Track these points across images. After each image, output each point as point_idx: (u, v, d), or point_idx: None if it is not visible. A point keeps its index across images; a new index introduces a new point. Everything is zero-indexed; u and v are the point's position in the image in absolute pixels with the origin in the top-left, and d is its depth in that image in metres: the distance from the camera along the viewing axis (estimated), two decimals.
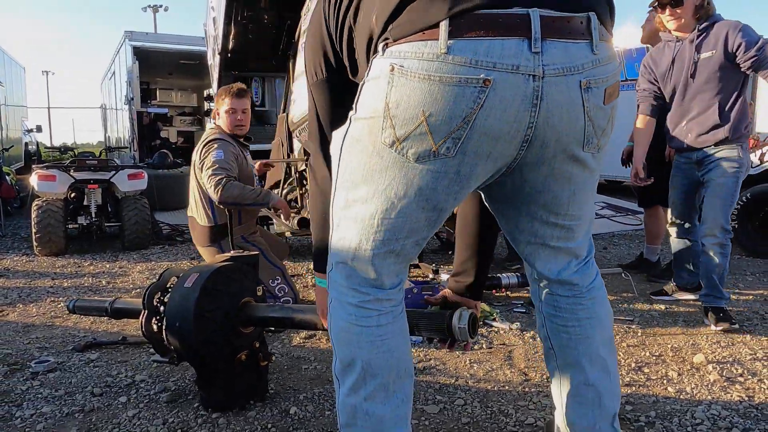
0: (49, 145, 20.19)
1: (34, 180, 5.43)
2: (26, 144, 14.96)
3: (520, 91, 0.98)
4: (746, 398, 1.92)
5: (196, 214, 3.18)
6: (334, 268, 1.21)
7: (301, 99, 3.84)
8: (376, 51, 1.07)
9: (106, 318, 2.94)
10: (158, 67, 10.92)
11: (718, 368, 2.19)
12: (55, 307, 3.37)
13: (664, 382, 2.09)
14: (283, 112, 4.83)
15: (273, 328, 2.72)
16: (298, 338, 2.64)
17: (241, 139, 3.28)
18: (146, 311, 1.86)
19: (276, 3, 4.39)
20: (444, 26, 0.96)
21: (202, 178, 3.02)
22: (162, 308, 1.84)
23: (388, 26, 1.03)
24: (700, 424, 1.73)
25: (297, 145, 4.21)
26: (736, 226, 4.93)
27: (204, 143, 3.12)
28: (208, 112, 3.21)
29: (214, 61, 5.57)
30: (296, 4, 4.14)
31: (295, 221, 4.13)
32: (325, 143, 1.27)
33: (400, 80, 1.00)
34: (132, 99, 8.68)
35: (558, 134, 1.05)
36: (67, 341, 2.67)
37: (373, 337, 1.16)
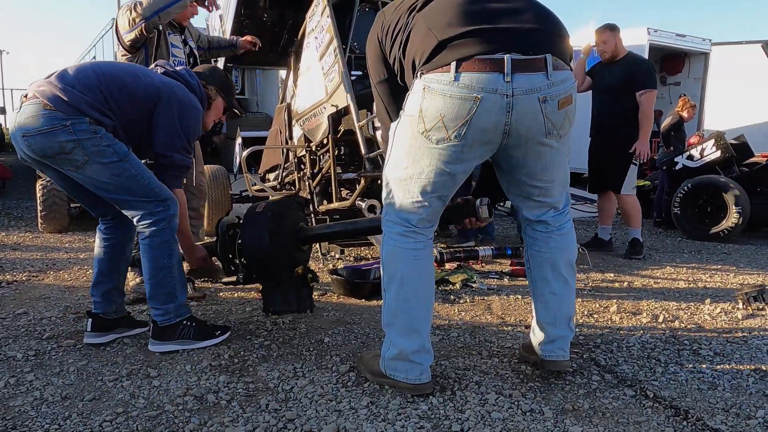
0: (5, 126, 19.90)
1: None
2: None
3: (498, 104, 1.61)
4: (668, 332, 2.54)
5: None
6: (387, 213, 1.82)
7: (305, 93, 4.31)
8: (416, 76, 1.67)
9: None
10: None
11: (650, 315, 2.80)
12: (85, 273, 3.77)
13: (609, 323, 2.69)
14: (281, 103, 5.28)
15: None
16: (314, 295, 3.14)
17: None
18: (219, 237, 2.44)
19: (277, 2, 4.80)
20: (453, 65, 1.61)
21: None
22: (230, 235, 2.43)
23: (424, 64, 1.65)
24: (633, 347, 2.33)
25: (297, 133, 4.68)
26: (679, 212, 5.65)
27: None
28: None
29: None
30: (298, 4, 4.58)
31: None
32: (392, 113, 1.94)
33: (428, 95, 1.65)
34: None
35: (526, 129, 1.67)
36: None
37: (410, 256, 1.78)
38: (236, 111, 2.71)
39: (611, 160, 4.40)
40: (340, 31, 3.89)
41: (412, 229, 1.78)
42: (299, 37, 4.53)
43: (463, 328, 2.57)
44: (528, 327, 2.59)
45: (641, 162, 4.40)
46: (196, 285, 3.27)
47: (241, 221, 2.47)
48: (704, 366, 2.13)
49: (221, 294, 3.19)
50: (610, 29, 4.42)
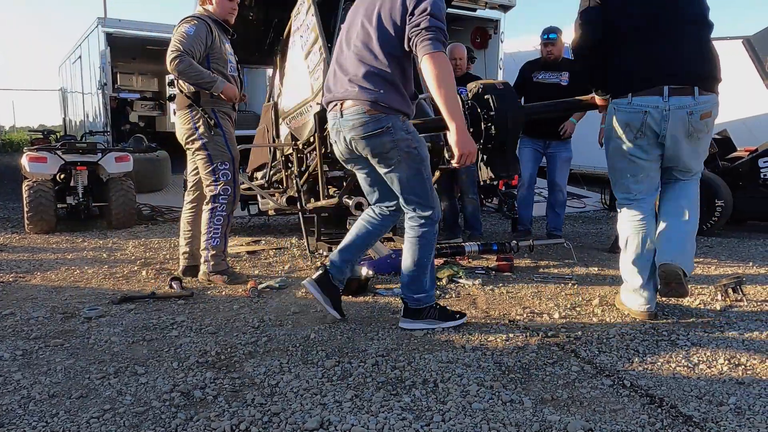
0: None
1: (25, 161, 5.70)
2: None
3: (659, 115, 2.52)
4: (648, 324, 2.59)
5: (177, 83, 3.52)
6: (615, 188, 2.81)
7: (291, 92, 4.32)
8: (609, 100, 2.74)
9: (126, 279, 3.42)
10: (122, 52, 10.98)
11: None
12: (72, 274, 3.77)
13: (591, 316, 2.74)
14: (268, 101, 5.29)
15: (271, 287, 3.25)
16: (298, 294, 3.17)
17: (228, 27, 3.61)
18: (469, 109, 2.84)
19: (263, 1, 4.80)
20: (630, 94, 2.55)
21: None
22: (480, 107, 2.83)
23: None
24: (612, 338, 2.38)
25: (284, 131, 4.70)
26: None
27: (186, 17, 3.44)
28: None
29: None
30: (283, 2, 4.59)
31: (284, 199, 4.64)
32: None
33: (618, 111, 2.63)
34: (105, 84, 8.87)
35: (676, 131, 2.52)
36: (99, 298, 3.12)
37: (632, 220, 2.70)
38: None
39: None
40: (325, 29, 3.90)
41: (633, 198, 2.72)
42: (285, 35, 4.54)
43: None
44: (511, 321, 2.65)
45: None
46: (183, 284, 3.29)
47: (491, 96, 2.79)
48: (681, 356, 2.18)
49: (209, 292, 3.21)
50: None
